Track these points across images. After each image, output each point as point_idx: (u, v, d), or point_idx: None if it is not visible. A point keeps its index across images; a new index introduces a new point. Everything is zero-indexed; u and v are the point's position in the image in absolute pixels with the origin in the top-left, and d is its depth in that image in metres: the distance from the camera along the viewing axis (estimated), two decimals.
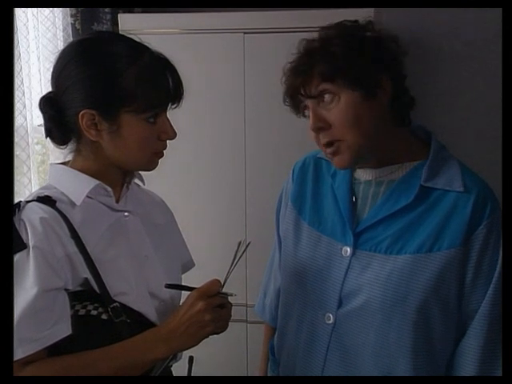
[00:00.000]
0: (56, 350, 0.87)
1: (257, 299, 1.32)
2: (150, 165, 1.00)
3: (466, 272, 0.92)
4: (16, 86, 1.77)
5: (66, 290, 0.89)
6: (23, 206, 0.90)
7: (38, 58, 1.92)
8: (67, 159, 1.01)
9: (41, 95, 0.96)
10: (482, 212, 0.92)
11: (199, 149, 1.88)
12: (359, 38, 0.93)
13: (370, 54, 0.91)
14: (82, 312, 0.91)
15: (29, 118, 1.84)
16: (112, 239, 0.96)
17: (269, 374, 1.24)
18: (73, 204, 0.94)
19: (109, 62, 0.91)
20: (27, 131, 1.84)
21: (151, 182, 1.14)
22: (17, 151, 1.82)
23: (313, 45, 0.95)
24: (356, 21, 0.97)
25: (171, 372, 1.09)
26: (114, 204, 1.00)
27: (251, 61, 1.78)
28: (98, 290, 0.90)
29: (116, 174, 1.00)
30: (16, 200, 0.91)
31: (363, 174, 1.03)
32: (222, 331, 0.98)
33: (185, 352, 0.99)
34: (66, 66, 0.92)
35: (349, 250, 1.00)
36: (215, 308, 0.93)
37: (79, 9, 1.88)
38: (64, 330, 0.86)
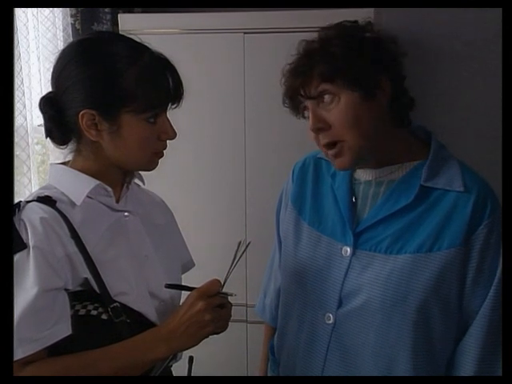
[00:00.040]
0: (56, 350, 0.86)
1: (257, 299, 1.32)
2: (150, 165, 1.00)
3: (467, 272, 0.92)
4: (16, 86, 1.77)
5: (66, 289, 0.89)
6: (23, 206, 0.90)
7: (38, 58, 1.92)
8: (67, 159, 1.01)
9: (41, 95, 0.96)
10: (483, 212, 0.92)
11: (199, 149, 1.88)
12: (359, 38, 0.93)
13: (369, 55, 0.91)
14: (82, 312, 0.91)
15: (29, 118, 1.84)
16: (112, 239, 0.96)
17: (269, 374, 1.24)
18: (73, 204, 0.94)
19: (109, 62, 0.91)
20: (27, 131, 1.85)
21: (151, 182, 1.14)
22: (17, 151, 1.82)
23: (312, 46, 0.95)
24: (355, 21, 0.97)
25: (171, 372, 1.09)
26: (114, 204, 1.00)
27: (251, 61, 1.78)
28: (98, 290, 0.90)
29: (116, 174, 1.00)
30: (16, 200, 0.91)
31: (363, 175, 1.03)
32: (222, 331, 0.98)
33: (185, 352, 0.99)
34: (66, 66, 0.92)
35: (349, 249, 1.00)
36: (215, 308, 0.93)
37: (79, 9, 1.88)
38: (64, 329, 0.86)
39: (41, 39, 1.91)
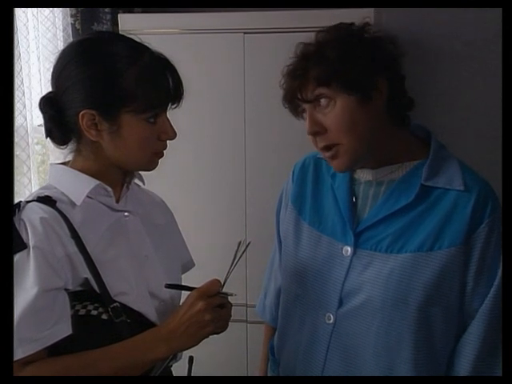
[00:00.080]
0: (56, 350, 0.86)
1: (257, 299, 1.32)
2: (150, 165, 1.00)
3: (468, 271, 0.92)
4: (16, 86, 1.77)
5: (66, 289, 0.89)
6: (23, 206, 0.90)
7: (38, 58, 1.92)
8: (67, 159, 1.01)
9: (41, 95, 0.96)
10: (483, 211, 0.92)
11: (199, 149, 1.87)
12: (355, 40, 0.93)
13: (365, 57, 0.91)
14: (82, 312, 0.91)
15: (29, 118, 1.84)
16: (112, 239, 0.96)
17: (269, 374, 1.24)
18: (73, 204, 0.94)
19: (109, 62, 0.91)
20: (27, 131, 1.84)
21: (151, 182, 1.14)
22: (17, 151, 1.82)
23: (309, 49, 0.94)
24: (352, 23, 0.96)
25: (171, 372, 1.09)
26: (114, 204, 1.00)
27: (251, 61, 1.78)
28: (98, 290, 0.90)
29: (116, 174, 1.00)
30: (16, 200, 0.91)
31: (363, 175, 1.03)
32: (222, 331, 0.98)
33: (185, 352, 0.99)
34: (66, 66, 0.92)
35: (349, 249, 1.00)
36: (215, 308, 0.93)
37: (79, 9, 1.88)
38: (64, 329, 0.86)
39: (41, 39, 1.91)
